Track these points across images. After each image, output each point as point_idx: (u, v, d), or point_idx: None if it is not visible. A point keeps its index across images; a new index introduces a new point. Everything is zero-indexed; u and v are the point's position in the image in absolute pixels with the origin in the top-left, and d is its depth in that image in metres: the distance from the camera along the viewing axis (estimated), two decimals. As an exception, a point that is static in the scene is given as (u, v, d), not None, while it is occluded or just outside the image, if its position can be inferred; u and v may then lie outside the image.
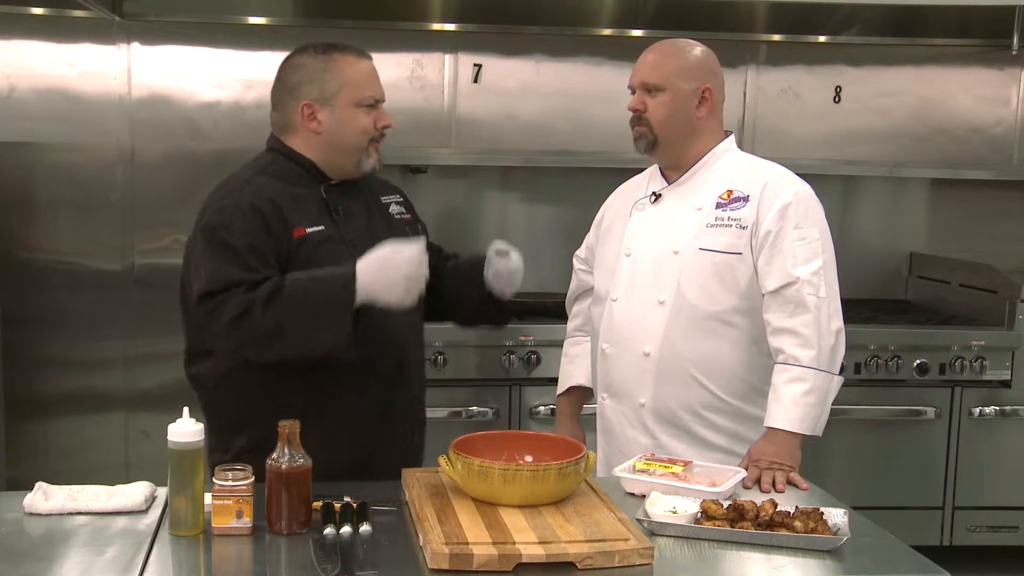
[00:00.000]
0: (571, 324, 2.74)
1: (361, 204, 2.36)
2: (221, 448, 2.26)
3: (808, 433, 2.27)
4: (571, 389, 2.67)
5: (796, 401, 2.26)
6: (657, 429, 2.42)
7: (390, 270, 2.09)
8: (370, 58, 2.33)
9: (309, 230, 2.22)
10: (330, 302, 2.10)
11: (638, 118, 2.42)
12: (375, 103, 2.29)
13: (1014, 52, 4.30)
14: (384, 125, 2.31)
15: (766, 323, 2.34)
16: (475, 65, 4.12)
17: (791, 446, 2.25)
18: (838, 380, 2.33)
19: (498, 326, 2.62)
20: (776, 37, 4.30)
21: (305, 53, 2.30)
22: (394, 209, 2.45)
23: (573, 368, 2.67)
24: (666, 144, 2.42)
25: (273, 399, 2.15)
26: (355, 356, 2.14)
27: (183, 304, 2.38)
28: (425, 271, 2.13)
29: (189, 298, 2.31)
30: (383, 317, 2.19)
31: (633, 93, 2.43)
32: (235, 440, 2.24)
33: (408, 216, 2.48)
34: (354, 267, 2.11)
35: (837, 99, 4.33)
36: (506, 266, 2.39)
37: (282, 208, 2.21)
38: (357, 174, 2.33)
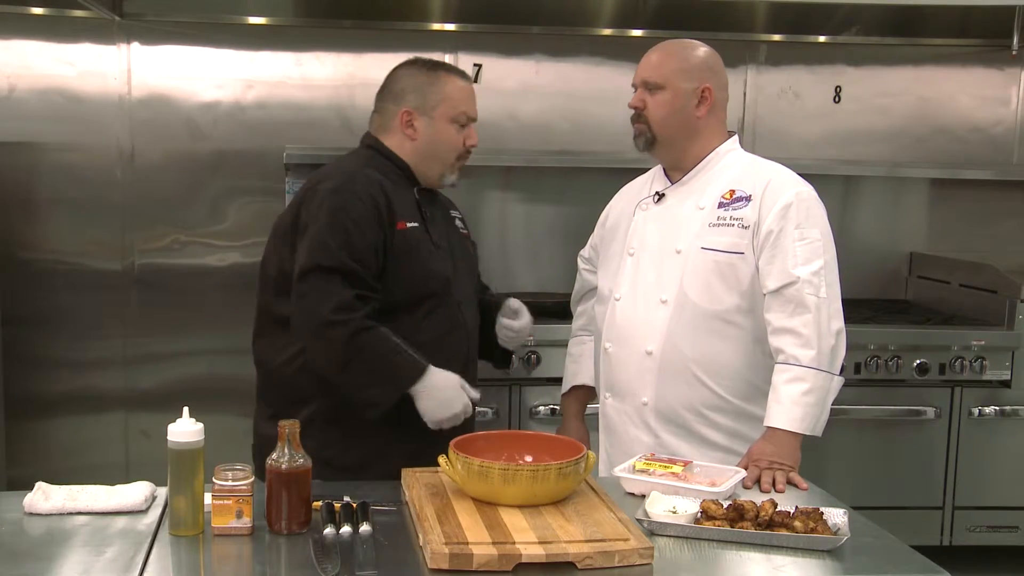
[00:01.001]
0: (575, 324, 2.76)
1: (440, 211, 2.56)
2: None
3: (808, 433, 2.28)
4: (575, 388, 2.67)
5: (796, 401, 2.26)
6: (659, 428, 2.42)
7: (450, 400, 2.29)
8: (471, 81, 2.54)
9: (409, 225, 2.39)
10: (395, 375, 2.28)
11: (638, 115, 2.44)
12: (468, 121, 2.48)
13: (1014, 52, 4.30)
14: (471, 144, 2.50)
15: (767, 322, 2.34)
16: (475, 65, 4.12)
17: (791, 446, 2.25)
18: (838, 380, 2.34)
19: (498, 367, 2.77)
20: (776, 37, 4.29)
21: (414, 65, 2.51)
22: (458, 224, 2.62)
23: (577, 368, 2.68)
24: (664, 142, 2.44)
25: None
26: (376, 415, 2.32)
27: (261, 282, 2.48)
28: (462, 418, 2.32)
29: (268, 277, 2.44)
30: (460, 310, 2.43)
31: (636, 91, 2.45)
32: (299, 413, 2.28)
33: (466, 232, 2.64)
34: (427, 365, 2.29)
35: (837, 99, 4.33)
36: (513, 326, 2.60)
37: (391, 200, 2.37)
38: (438, 186, 2.52)
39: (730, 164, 2.46)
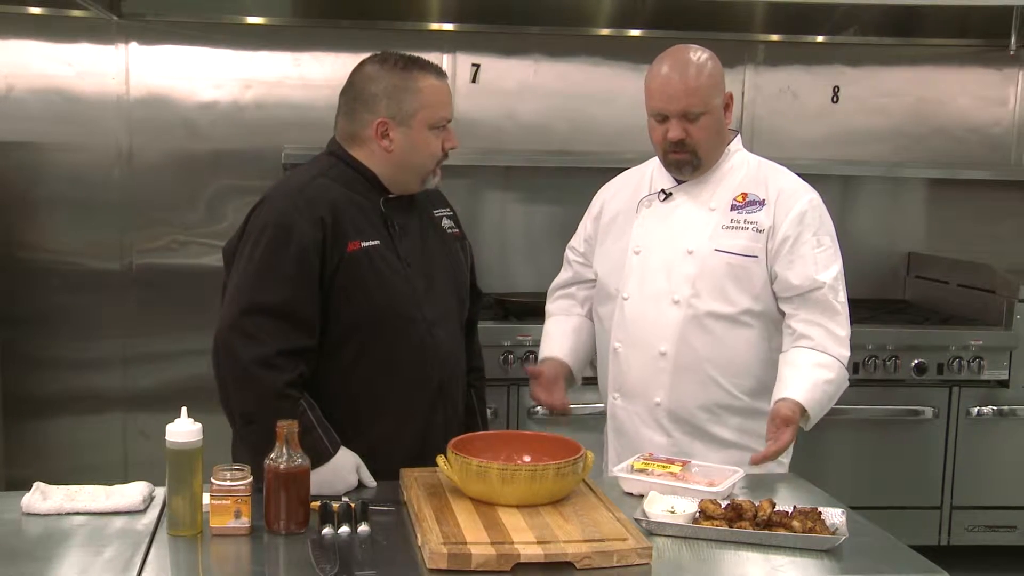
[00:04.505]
0: (554, 304, 2.70)
1: (416, 220, 2.33)
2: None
3: (810, 420, 2.30)
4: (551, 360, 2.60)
5: (817, 384, 2.29)
6: (672, 428, 2.42)
7: (333, 483, 2.07)
8: (446, 77, 2.30)
9: (364, 244, 2.19)
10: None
11: (681, 145, 2.35)
12: (445, 125, 2.27)
13: (1012, 52, 4.30)
14: (451, 147, 2.28)
15: (791, 317, 2.36)
16: (473, 65, 4.12)
17: (796, 424, 2.26)
18: (845, 386, 2.38)
19: None
20: (774, 37, 4.30)
21: (384, 65, 2.24)
22: (445, 223, 2.43)
23: (551, 342, 2.63)
24: (708, 160, 2.41)
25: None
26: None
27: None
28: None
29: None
30: (430, 332, 2.25)
31: (660, 120, 2.36)
32: None
33: (457, 231, 2.46)
34: (333, 452, 2.10)
35: (835, 99, 4.33)
36: None
37: (341, 218, 2.17)
38: (418, 191, 2.31)
39: (738, 165, 2.45)
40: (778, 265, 2.36)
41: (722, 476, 2.11)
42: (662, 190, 2.47)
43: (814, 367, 2.31)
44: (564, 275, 2.71)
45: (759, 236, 2.37)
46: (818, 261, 2.36)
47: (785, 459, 2.47)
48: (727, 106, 2.40)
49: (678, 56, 2.37)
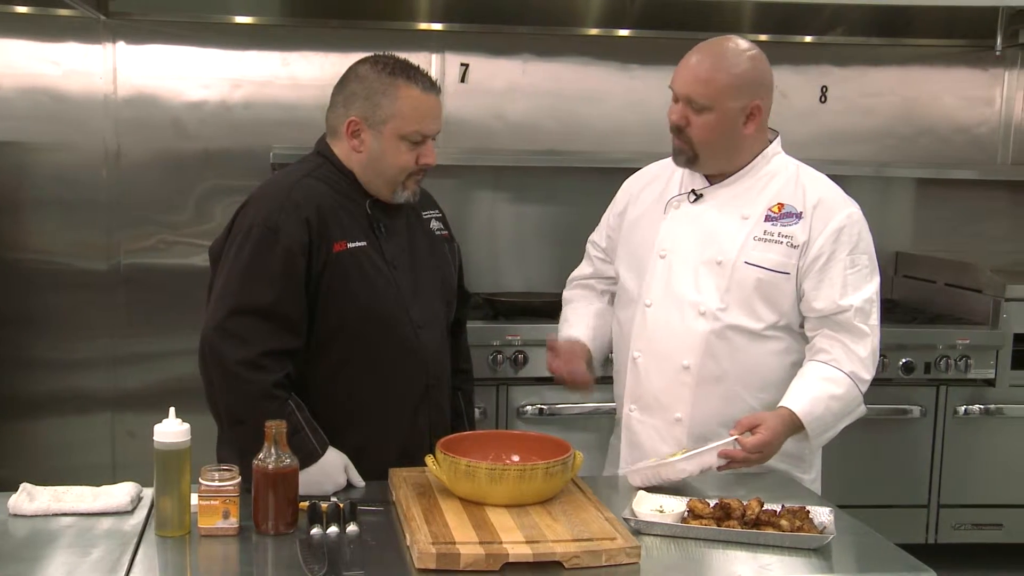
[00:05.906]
0: (573, 292, 2.60)
1: (403, 221, 2.33)
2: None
3: (809, 434, 2.22)
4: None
5: (820, 398, 2.21)
6: (691, 445, 2.27)
7: (322, 484, 2.07)
8: (437, 92, 2.24)
9: (350, 245, 2.19)
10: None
11: (679, 130, 2.26)
12: (422, 139, 2.22)
13: (998, 52, 4.32)
14: (425, 163, 2.24)
15: (813, 334, 2.28)
16: (462, 65, 4.12)
17: (785, 437, 2.18)
18: (862, 409, 2.30)
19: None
20: (762, 37, 4.28)
21: (375, 66, 2.22)
22: (434, 225, 2.42)
23: (570, 328, 2.52)
24: (707, 160, 2.30)
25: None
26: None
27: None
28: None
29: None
30: (416, 334, 2.24)
31: (674, 99, 2.26)
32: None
33: (446, 232, 2.45)
34: (321, 453, 2.10)
35: (823, 99, 4.34)
36: None
37: (327, 219, 2.17)
38: (390, 201, 2.28)
39: (775, 170, 2.34)
40: (807, 283, 2.27)
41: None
42: (692, 191, 2.36)
43: (820, 380, 2.23)
44: (584, 269, 2.62)
45: (792, 252, 2.26)
46: (848, 283, 2.26)
47: (807, 476, 2.40)
48: (751, 115, 2.27)
49: (715, 43, 2.27)
